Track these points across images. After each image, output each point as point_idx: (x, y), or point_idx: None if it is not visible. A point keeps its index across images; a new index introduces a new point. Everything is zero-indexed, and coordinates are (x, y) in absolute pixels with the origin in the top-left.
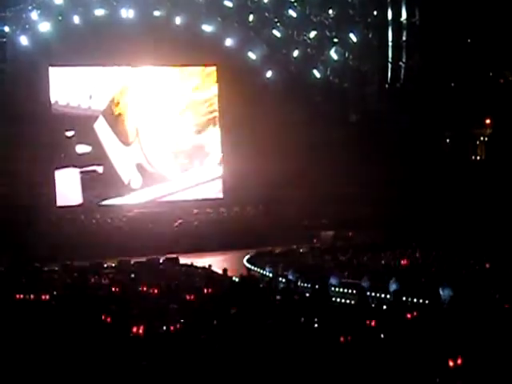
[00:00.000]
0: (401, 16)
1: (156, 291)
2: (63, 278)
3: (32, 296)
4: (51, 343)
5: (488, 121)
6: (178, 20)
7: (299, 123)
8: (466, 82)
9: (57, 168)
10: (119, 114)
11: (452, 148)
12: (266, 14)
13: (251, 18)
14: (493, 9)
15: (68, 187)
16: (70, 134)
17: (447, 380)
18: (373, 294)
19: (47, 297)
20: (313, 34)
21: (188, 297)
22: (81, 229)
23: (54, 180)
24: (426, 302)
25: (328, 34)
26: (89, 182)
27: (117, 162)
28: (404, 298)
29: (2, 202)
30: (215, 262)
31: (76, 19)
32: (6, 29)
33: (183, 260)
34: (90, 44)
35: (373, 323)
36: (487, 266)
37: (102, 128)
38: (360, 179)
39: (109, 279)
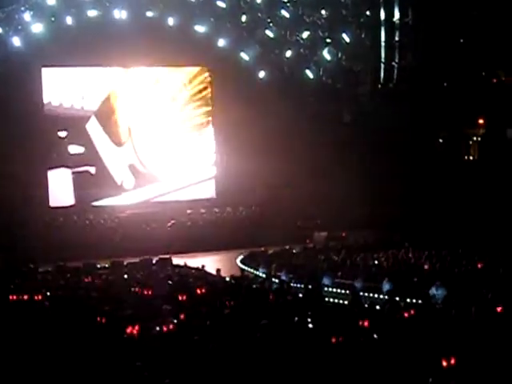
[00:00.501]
0: (393, 16)
1: (149, 292)
2: (56, 279)
3: (25, 297)
4: (45, 344)
5: (481, 121)
6: (170, 21)
7: (292, 123)
8: (459, 82)
9: (49, 168)
10: (112, 115)
11: (445, 148)
12: (259, 15)
13: (244, 18)
14: (485, 9)
15: (60, 188)
16: (62, 134)
17: (441, 380)
18: (366, 294)
19: (40, 297)
20: (306, 34)
21: (181, 297)
22: (73, 229)
23: (46, 180)
24: (419, 301)
25: (321, 34)
26: (81, 183)
27: (109, 162)
28: (397, 298)
29: None
30: (208, 263)
31: (69, 20)
32: None
33: (176, 260)
34: (83, 45)
35: (366, 323)
36: (479, 265)
37: (94, 128)
38: (353, 179)
39: (102, 280)
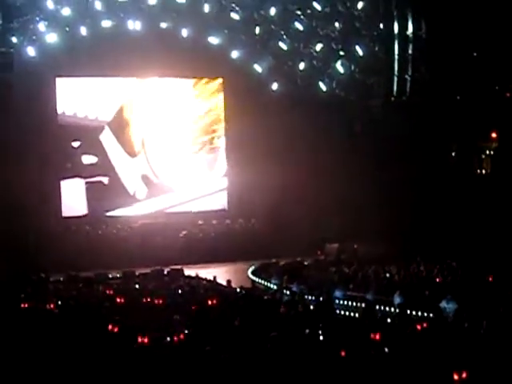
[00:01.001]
0: (407, 29)
1: (160, 302)
2: (68, 289)
3: (37, 306)
4: (56, 352)
5: (494, 135)
6: (184, 32)
7: (304, 135)
8: (472, 95)
9: (63, 178)
10: (125, 126)
11: (457, 161)
12: (273, 27)
13: (258, 30)
14: (499, 22)
15: (74, 198)
16: (76, 144)
17: None
18: (377, 307)
19: (52, 306)
20: (319, 46)
21: (192, 308)
22: (86, 239)
23: (59, 190)
24: (431, 315)
25: (334, 46)
26: (94, 193)
27: (122, 172)
28: (408, 311)
29: (7, 211)
30: (220, 274)
31: (83, 30)
32: (14, 39)
33: (188, 271)
34: (97, 55)
35: (377, 336)
36: (490, 279)
37: (108, 139)
38: (365, 192)
39: (113, 290)
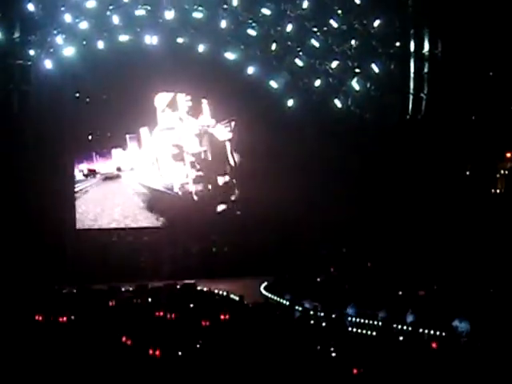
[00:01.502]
0: (423, 48)
1: (173, 317)
2: (81, 301)
3: (51, 318)
4: (69, 365)
5: (508, 154)
6: (201, 47)
7: (319, 152)
8: (487, 115)
9: (78, 191)
10: (140, 139)
11: (472, 180)
12: (289, 43)
13: (274, 46)
14: None
15: (87, 210)
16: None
17: None
18: (389, 325)
19: (65, 319)
20: (335, 63)
21: (204, 323)
22: (99, 252)
23: (73, 202)
24: (443, 334)
25: (350, 64)
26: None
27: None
28: (421, 330)
29: (21, 223)
30: (232, 289)
31: (100, 44)
32: (32, 52)
33: (200, 286)
34: (114, 69)
35: (389, 354)
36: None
37: (123, 152)
38: (380, 209)
39: (126, 303)
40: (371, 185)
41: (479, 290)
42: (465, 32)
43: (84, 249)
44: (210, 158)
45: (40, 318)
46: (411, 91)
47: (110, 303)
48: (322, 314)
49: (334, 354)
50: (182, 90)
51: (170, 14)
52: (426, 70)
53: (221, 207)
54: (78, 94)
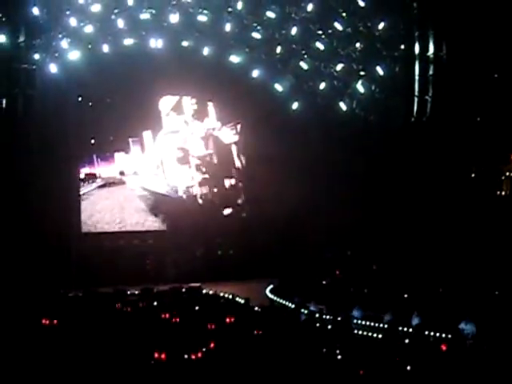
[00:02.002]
0: (428, 50)
1: (178, 320)
2: (87, 305)
3: (55, 321)
4: (75, 368)
5: None
6: (205, 50)
7: (324, 154)
8: (492, 117)
9: (83, 194)
10: (144, 142)
11: (477, 183)
12: (294, 46)
13: (279, 49)
14: None
15: (93, 213)
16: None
17: None
18: (395, 327)
19: (70, 323)
20: (340, 66)
21: (210, 326)
22: (104, 256)
23: (79, 206)
24: (449, 336)
25: (355, 66)
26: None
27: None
28: (426, 333)
29: (27, 227)
30: (238, 292)
31: (105, 48)
32: (37, 56)
33: (206, 289)
34: (119, 72)
35: (395, 356)
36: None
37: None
38: (384, 212)
39: (132, 307)
40: (376, 187)
41: (484, 293)
42: (469, 34)
43: (89, 252)
44: (216, 161)
45: (46, 322)
46: (416, 94)
47: (116, 306)
48: (328, 317)
49: (339, 357)
50: (187, 93)
51: (174, 18)
52: (430, 73)
53: (227, 211)
54: (80, 98)
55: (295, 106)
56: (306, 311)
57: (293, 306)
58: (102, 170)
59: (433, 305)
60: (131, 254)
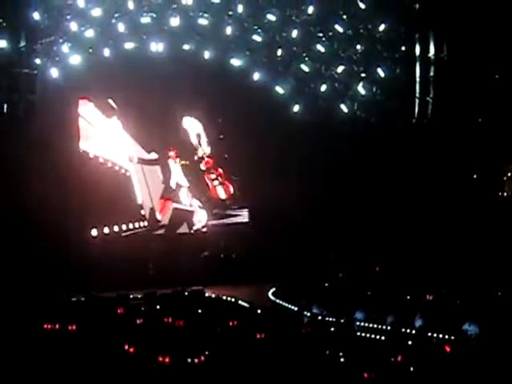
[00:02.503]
0: (429, 52)
1: (181, 323)
2: (89, 309)
3: (58, 326)
4: (77, 373)
5: None
6: (206, 54)
7: (326, 157)
8: (494, 117)
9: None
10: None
11: (479, 184)
12: (295, 49)
13: (280, 52)
14: None
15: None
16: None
17: None
18: (398, 329)
19: (74, 327)
20: (340, 68)
21: (213, 329)
22: (107, 260)
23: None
24: (452, 337)
25: (356, 69)
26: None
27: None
28: (429, 334)
29: (29, 230)
30: (241, 295)
31: (106, 52)
32: (37, 61)
33: (209, 292)
34: (120, 76)
35: (398, 358)
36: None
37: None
38: (387, 213)
39: (135, 311)
40: (378, 189)
41: (487, 294)
42: (470, 35)
43: (92, 256)
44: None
45: (49, 327)
46: (417, 95)
47: (119, 311)
48: (331, 319)
49: (342, 359)
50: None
51: (175, 21)
52: (431, 74)
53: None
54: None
55: (296, 108)
56: (308, 314)
57: (295, 308)
58: None
59: (436, 306)
60: (134, 258)
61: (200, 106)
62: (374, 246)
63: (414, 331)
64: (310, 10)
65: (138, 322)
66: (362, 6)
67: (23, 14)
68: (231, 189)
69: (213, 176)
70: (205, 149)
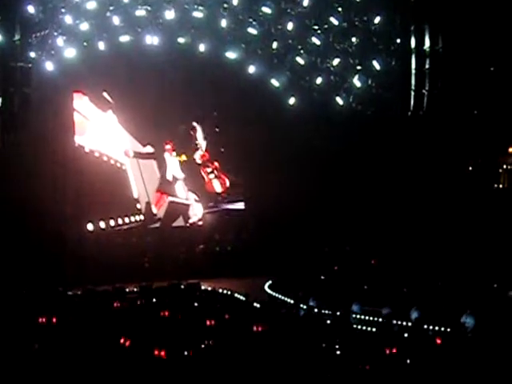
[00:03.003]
0: (424, 44)
1: (177, 316)
2: (85, 303)
3: (54, 320)
4: (73, 366)
5: (511, 149)
6: (202, 47)
7: (322, 149)
8: (490, 110)
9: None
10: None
11: (475, 176)
12: (290, 42)
13: (275, 45)
14: None
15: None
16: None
17: None
18: (394, 321)
19: (69, 321)
20: (336, 61)
21: (209, 322)
22: (103, 253)
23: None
24: (448, 330)
25: (351, 61)
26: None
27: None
28: (425, 326)
29: (26, 225)
30: (237, 288)
31: (101, 45)
32: (32, 54)
33: (205, 285)
34: (115, 69)
35: (394, 350)
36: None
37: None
38: (382, 207)
39: (131, 304)
40: (374, 182)
41: (483, 286)
42: (466, 27)
43: (88, 250)
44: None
45: (44, 321)
46: (413, 87)
47: (115, 304)
48: (327, 312)
49: (339, 352)
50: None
51: (170, 14)
52: (427, 66)
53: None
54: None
55: (292, 101)
56: (305, 306)
57: (291, 301)
58: None
59: (432, 298)
60: (130, 252)
61: (195, 99)
62: (370, 239)
63: (409, 324)
64: (305, 2)
65: (134, 315)
66: None
67: (18, 7)
68: (227, 182)
69: (209, 169)
70: (201, 142)
